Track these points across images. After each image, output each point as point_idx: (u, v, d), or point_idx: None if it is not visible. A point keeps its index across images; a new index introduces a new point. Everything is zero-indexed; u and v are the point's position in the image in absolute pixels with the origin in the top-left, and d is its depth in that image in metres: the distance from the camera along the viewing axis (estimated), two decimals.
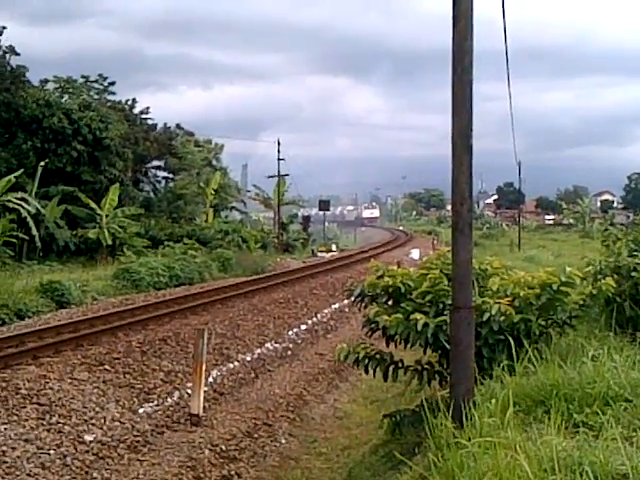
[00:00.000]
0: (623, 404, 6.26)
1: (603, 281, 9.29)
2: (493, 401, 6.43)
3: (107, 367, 16.37)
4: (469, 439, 5.82)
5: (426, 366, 9.65)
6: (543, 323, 8.89)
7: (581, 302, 9.14)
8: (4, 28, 44.16)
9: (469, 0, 7.25)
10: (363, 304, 10.12)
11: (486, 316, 8.46)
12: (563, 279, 8.83)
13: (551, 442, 5.32)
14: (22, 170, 38.64)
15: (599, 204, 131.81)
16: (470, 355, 7.39)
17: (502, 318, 8.48)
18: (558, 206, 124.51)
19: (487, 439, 5.62)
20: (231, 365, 18.16)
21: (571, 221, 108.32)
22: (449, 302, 8.22)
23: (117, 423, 13.43)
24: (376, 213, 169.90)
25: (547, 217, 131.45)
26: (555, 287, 8.79)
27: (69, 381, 15.04)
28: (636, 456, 5.07)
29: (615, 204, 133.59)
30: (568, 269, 9.03)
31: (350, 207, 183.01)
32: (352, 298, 10.27)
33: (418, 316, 8.73)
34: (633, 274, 10.24)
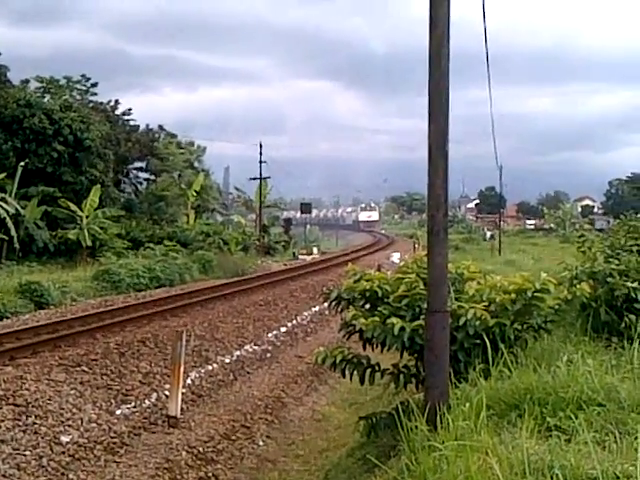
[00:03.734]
0: (596, 408, 6.29)
1: (578, 286, 9.35)
2: (467, 405, 6.44)
3: (85, 368, 16.32)
4: (442, 442, 5.84)
5: (403, 369, 9.65)
6: (519, 327, 8.90)
7: (557, 307, 9.15)
8: None
9: (446, 6, 7.26)
10: (339, 307, 10.13)
11: (462, 320, 8.48)
12: (537, 286, 8.87)
13: (523, 446, 5.34)
14: (5, 174, 38.36)
15: (580, 209, 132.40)
16: (445, 358, 7.41)
17: (478, 322, 8.51)
18: (540, 211, 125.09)
19: (460, 442, 5.64)
20: (210, 367, 18.14)
21: (552, 226, 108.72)
22: (425, 306, 8.23)
23: (94, 424, 13.39)
24: (375, 216, 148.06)
25: (528, 222, 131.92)
26: (530, 293, 8.84)
27: (46, 382, 14.98)
28: (607, 460, 5.11)
29: (596, 209, 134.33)
30: (543, 275, 9.08)
31: (349, 209, 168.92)
32: (329, 301, 10.25)
33: (394, 320, 8.74)
34: (608, 280, 10.28)
